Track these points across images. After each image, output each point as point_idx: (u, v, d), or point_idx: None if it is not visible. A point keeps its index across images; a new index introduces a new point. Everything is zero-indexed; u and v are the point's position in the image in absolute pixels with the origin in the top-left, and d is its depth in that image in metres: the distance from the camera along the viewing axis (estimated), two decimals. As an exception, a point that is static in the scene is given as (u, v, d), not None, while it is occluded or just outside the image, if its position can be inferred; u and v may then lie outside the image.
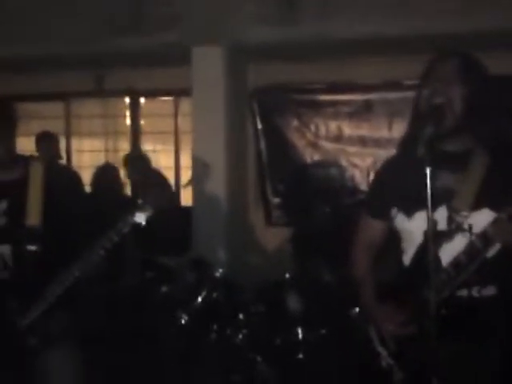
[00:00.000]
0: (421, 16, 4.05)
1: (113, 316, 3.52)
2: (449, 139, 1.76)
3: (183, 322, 3.27)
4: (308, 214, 4.59)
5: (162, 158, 5.88)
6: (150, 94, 5.73)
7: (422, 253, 1.72)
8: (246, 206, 5.31)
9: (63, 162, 5.27)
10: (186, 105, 5.38)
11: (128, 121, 5.84)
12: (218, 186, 4.66)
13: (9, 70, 5.13)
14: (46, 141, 4.73)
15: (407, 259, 1.86)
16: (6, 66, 5.04)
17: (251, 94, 5.19)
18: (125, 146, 5.85)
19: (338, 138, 5.07)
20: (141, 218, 1.95)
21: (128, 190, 5.03)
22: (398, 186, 1.87)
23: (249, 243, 5.21)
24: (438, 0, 4.03)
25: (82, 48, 4.72)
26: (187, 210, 4.86)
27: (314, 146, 5.13)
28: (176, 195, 5.44)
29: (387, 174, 1.98)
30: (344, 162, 5.07)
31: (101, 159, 5.61)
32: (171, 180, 5.64)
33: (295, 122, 5.15)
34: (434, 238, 1.60)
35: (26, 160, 2.14)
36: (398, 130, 4.71)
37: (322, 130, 5.11)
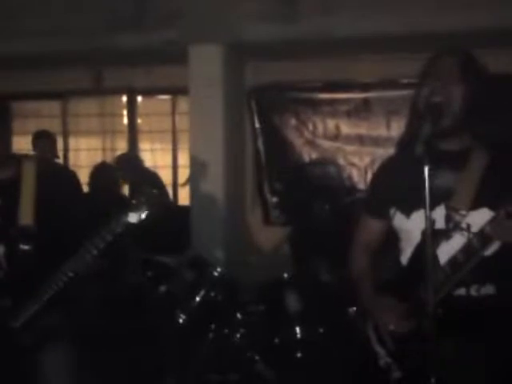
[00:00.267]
0: (420, 14, 4.04)
1: (111, 315, 3.52)
2: (447, 138, 1.76)
3: (181, 321, 3.26)
4: (306, 212, 4.58)
5: (159, 157, 5.87)
6: (148, 93, 5.71)
7: (420, 252, 1.71)
8: (244, 205, 5.30)
9: (60, 160, 5.26)
10: (183, 103, 5.37)
11: (125, 119, 5.82)
12: (215, 184, 4.65)
13: (5, 67, 5.11)
14: (43, 140, 4.71)
15: (405, 258, 1.86)
16: (2, 64, 5.02)
17: (249, 92, 5.18)
18: (122, 145, 5.83)
19: (336, 137, 5.07)
20: (134, 217, 1.94)
21: (125, 190, 5.03)
22: (396, 185, 1.87)
23: (247, 242, 5.21)
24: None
25: (79, 45, 4.70)
26: (185, 208, 4.85)
27: (312, 144, 5.13)
28: (169, 195, 5.45)
29: (385, 172, 1.98)
30: (342, 161, 5.06)
31: (98, 158, 5.59)
32: (169, 179, 5.64)
33: (293, 121, 5.15)
34: (432, 237, 1.60)
35: (18, 159, 2.12)
36: (397, 128, 4.71)
37: (320, 129, 5.10)
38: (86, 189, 4.55)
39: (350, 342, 2.28)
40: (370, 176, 4.75)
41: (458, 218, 1.71)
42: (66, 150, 5.89)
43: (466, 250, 1.67)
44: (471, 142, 1.78)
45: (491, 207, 1.66)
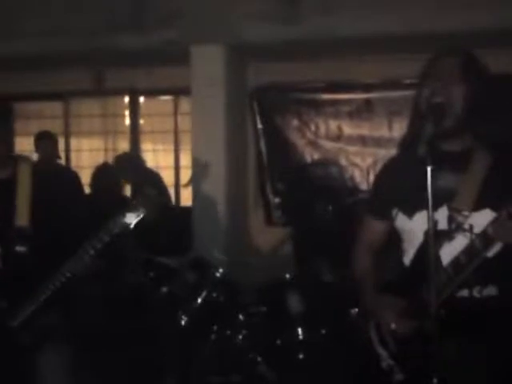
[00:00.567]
0: (421, 14, 4.04)
1: (113, 315, 3.52)
2: (449, 139, 1.75)
3: (183, 322, 3.25)
4: (308, 213, 4.57)
5: (161, 158, 5.87)
6: (150, 93, 5.71)
7: (423, 253, 1.71)
8: (246, 206, 5.29)
9: (62, 161, 5.27)
10: (185, 104, 5.37)
11: (127, 120, 5.82)
12: (217, 185, 4.64)
13: (7, 68, 5.11)
14: (45, 141, 4.72)
15: (408, 259, 1.85)
16: (3, 64, 5.02)
17: (251, 92, 5.18)
18: (124, 146, 5.83)
19: (338, 138, 5.06)
20: (131, 218, 1.95)
21: (127, 190, 5.03)
22: (398, 185, 1.87)
23: (248, 243, 5.20)
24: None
25: (80, 46, 4.70)
26: (187, 209, 4.85)
27: (314, 145, 5.12)
28: (171, 196, 5.44)
29: (388, 173, 1.98)
30: (344, 162, 5.06)
31: (100, 159, 5.60)
32: (171, 180, 5.64)
33: (295, 121, 5.14)
34: (435, 238, 1.59)
35: (14, 160, 2.12)
36: (399, 129, 4.70)
37: (322, 129, 5.10)
38: (87, 190, 4.56)
39: (352, 343, 2.27)
40: (372, 177, 4.74)
41: (460, 218, 1.70)
42: (67, 150, 5.90)
43: (469, 251, 1.66)
44: (473, 142, 1.78)
45: (493, 208, 1.66)
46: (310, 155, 5.14)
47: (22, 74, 5.27)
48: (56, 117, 5.89)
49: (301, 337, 3.26)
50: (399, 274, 1.88)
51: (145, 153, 5.82)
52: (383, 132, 4.90)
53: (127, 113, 5.81)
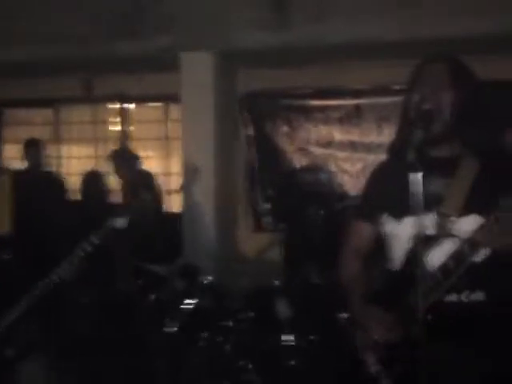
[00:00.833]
0: (410, 20, 4.06)
1: (102, 322, 3.49)
2: (438, 145, 1.76)
3: (172, 329, 3.24)
4: (298, 219, 4.58)
5: (151, 165, 5.85)
6: (140, 100, 5.70)
7: (411, 258, 1.71)
8: (236, 212, 5.28)
9: (52, 168, 5.24)
10: (175, 110, 5.36)
11: (117, 127, 5.80)
12: (207, 192, 4.63)
13: (-4, 75, 5.10)
14: (33, 148, 4.70)
15: (396, 264, 1.85)
16: (-7, 71, 5.01)
17: (241, 99, 5.19)
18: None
19: (328, 144, 5.08)
20: (122, 222, 1.94)
21: (116, 191, 4.97)
22: (387, 191, 1.87)
23: (238, 249, 5.19)
24: (427, 5, 4.04)
25: (72, 53, 4.69)
26: (176, 216, 4.83)
27: (304, 151, 5.13)
28: (163, 198, 5.39)
29: (377, 178, 1.98)
30: (334, 167, 5.07)
31: (90, 166, 5.57)
32: (161, 186, 5.61)
33: (285, 128, 5.15)
34: (423, 243, 1.60)
35: None
36: (388, 134, 4.72)
37: (312, 136, 5.11)
38: (77, 196, 4.53)
39: (341, 348, 2.27)
40: (361, 182, 4.75)
41: (448, 224, 1.71)
42: (58, 157, 5.87)
43: (457, 256, 1.66)
44: (461, 148, 1.78)
45: (481, 214, 1.66)
46: (300, 161, 5.15)
47: (11, 80, 5.24)
48: (46, 123, 5.87)
49: (289, 343, 3.25)
50: (387, 279, 1.88)
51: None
52: (373, 138, 4.93)
53: (117, 120, 5.80)
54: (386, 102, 4.72)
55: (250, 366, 3.21)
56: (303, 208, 4.60)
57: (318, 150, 5.11)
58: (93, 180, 4.62)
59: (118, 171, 4.72)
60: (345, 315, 2.70)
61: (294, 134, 5.14)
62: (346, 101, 5.01)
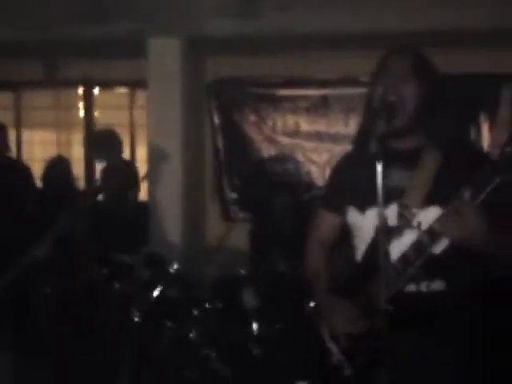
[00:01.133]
0: (378, 13, 4.08)
1: (65, 314, 3.45)
2: (401, 137, 1.77)
3: (136, 318, 3.21)
4: (265, 208, 4.59)
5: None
6: (105, 85, 5.60)
7: (373, 249, 1.73)
8: (203, 201, 5.26)
9: (13, 153, 5.11)
10: (142, 97, 5.29)
11: (81, 112, 5.69)
12: (174, 180, 4.59)
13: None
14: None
15: (359, 255, 1.87)
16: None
17: (208, 86, 5.14)
18: (78, 138, 5.70)
19: (295, 133, 5.08)
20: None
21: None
22: (351, 181, 1.88)
23: (205, 238, 5.17)
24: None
25: (34, 35, 4.56)
26: (143, 204, 4.78)
27: (272, 140, 5.13)
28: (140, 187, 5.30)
29: (342, 169, 2.00)
30: (301, 158, 5.09)
31: (53, 151, 5.46)
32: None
33: (253, 117, 5.13)
34: (385, 234, 1.61)
35: None
36: (355, 126, 4.75)
37: (280, 125, 5.11)
38: (39, 183, 4.44)
39: (307, 338, 2.28)
40: (328, 173, 4.78)
41: (409, 215, 1.73)
42: (19, 142, 5.73)
43: (417, 247, 1.69)
44: (424, 141, 1.80)
45: (442, 205, 1.68)
46: (267, 151, 5.15)
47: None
48: (6, 108, 5.71)
49: (255, 332, 3.26)
50: (350, 270, 1.90)
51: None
52: (339, 128, 4.95)
53: (81, 105, 5.68)
54: (354, 93, 4.73)
55: (216, 355, 3.21)
56: (270, 197, 4.61)
57: (285, 140, 5.11)
58: (57, 166, 4.53)
59: (99, 154, 4.60)
60: (311, 305, 2.72)
61: (261, 123, 5.13)
62: (314, 91, 5.01)
